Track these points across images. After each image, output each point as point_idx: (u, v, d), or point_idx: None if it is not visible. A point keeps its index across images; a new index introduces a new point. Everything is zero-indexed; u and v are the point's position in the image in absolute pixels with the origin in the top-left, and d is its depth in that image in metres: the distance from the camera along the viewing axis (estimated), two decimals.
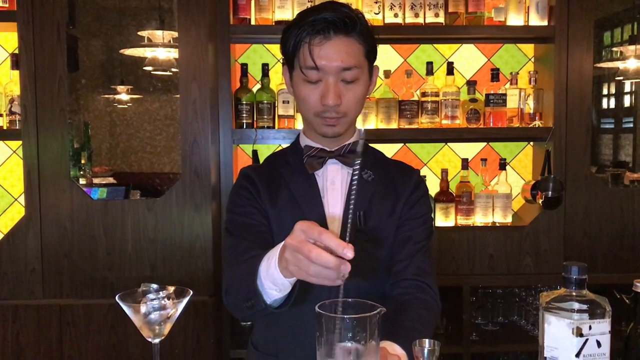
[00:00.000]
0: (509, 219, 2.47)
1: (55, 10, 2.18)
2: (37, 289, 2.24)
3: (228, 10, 2.30)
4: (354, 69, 1.24)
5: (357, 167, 0.89)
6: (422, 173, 1.63)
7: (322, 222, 1.29)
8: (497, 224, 2.46)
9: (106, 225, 2.24)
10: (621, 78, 2.86)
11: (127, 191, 2.51)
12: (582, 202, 2.40)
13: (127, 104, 2.80)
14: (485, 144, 2.67)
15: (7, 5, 2.25)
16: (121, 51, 2.66)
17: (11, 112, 2.33)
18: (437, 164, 2.66)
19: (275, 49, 2.55)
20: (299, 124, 2.38)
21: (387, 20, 2.36)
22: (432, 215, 1.66)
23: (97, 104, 2.78)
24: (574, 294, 0.93)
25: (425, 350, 0.97)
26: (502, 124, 2.42)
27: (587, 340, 0.92)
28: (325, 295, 1.00)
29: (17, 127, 2.29)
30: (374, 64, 1.33)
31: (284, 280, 0.99)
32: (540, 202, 2.38)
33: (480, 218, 2.46)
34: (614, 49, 2.96)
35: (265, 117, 2.38)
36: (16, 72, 2.25)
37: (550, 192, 2.34)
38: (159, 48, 2.58)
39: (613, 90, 3.21)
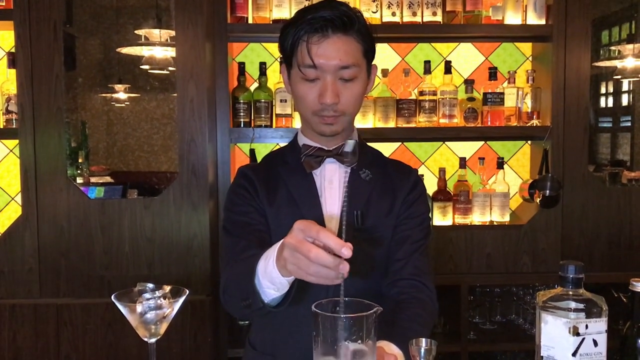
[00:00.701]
0: (506, 218, 2.47)
1: (52, 9, 2.17)
2: (34, 288, 2.23)
3: (225, 8, 2.30)
4: (352, 67, 1.24)
5: (348, 165, 0.89)
6: (419, 172, 1.63)
7: (320, 221, 1.29)
8: (495, 223, 2.46)
9: (103, 224, 2.23)
10: (619, 77, 2.86)
11: (124, 190, 2.51)
12: (580, 201, 2.41)
13: (125, 102, 2.79)
14: (483, 142, 2.67)
15: (3, 4, 2.24)
16: (118, 50, 2.65)
17: (8, 111, 2.33)
18: (434, 162, 2.66)
19: (273, 47, 2.55)
20: (296, 123, 2.38)
21: (384, 19, 2.36)
22: (430, 215, 1.66)
23: (94, 102, 2.77)
24: (570, 293, 0.93)
25: (422, 350, 0.97)
26: (500, 122, 2.43)
27: (583, 339, 0.92)
28: (323, 294, 1.00)
29: (14, 126, 2.28)
30: (372, 62, 1.33)
31: (282, 279, 0.99)
32: (537, 201, 2.38)
33: (477, 217, 2.46)
34: (612, 47, 2.97)
35: (263, 115, 2.38)
36: (13, 71, 2.24)
37: (547, 191, 2.34)
38: (156, 47, 2.57)
39: (611, 89, 3.21)
